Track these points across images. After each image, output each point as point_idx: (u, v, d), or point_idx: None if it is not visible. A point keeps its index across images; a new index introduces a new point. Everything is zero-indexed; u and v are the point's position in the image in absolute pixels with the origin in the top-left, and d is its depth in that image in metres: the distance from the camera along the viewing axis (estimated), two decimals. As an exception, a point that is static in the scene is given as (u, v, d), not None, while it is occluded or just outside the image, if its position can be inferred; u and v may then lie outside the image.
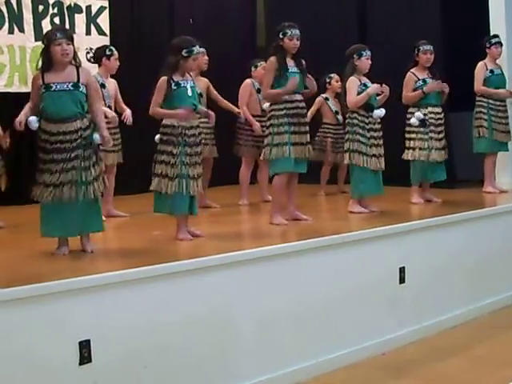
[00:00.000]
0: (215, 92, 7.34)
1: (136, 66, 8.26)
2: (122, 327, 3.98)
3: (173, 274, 4.22)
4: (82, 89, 4.69)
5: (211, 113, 5.46)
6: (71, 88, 4.65)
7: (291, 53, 5.69)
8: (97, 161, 4.73)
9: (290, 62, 5.69)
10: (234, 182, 7.79)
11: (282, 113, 5.64)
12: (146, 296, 4.10)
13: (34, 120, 4.64)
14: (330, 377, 4.78)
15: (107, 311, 3.94)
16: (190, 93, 5.11)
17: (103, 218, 5.08)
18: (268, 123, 5.75)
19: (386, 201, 6.52)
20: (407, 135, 6.85)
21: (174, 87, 5.05)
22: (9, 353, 3.61)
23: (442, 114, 6.93)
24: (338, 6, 9.30)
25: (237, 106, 7.47)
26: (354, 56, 6.21)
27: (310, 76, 5.76)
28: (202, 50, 7.04)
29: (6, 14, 7.87)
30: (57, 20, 8.20)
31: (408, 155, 6.83)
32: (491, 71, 7.49)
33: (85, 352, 3.82)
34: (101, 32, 8.59)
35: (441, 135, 6.87)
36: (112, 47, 6.72)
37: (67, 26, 8.09)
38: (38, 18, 8.07)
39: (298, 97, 5.72)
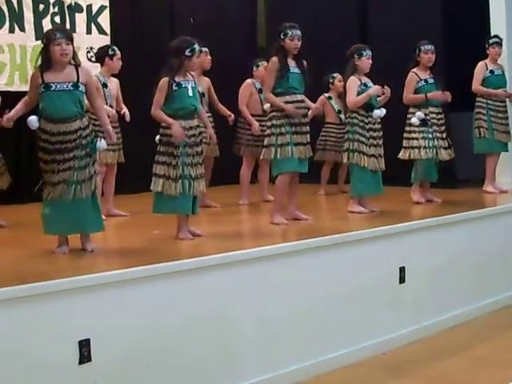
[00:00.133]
0: (214, 94, 7.33)
1: (136, 65, 8.26)
2: (122, 326, 3.98)
3: (173, 274, 4.22)
4: (82, 88, 4.69)
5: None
6: (71, 88, 4.65)
7: (292, 53, 5.69)
8: (93, 161, 4.74)
9: (292, 63, 5.69)
10: (234, 181, 7.79)
11: (283, 113, 5.64)
12: (145, 295, 4.10)
13: (34, 120, 4.63)
14: (330, 376, 4.78)
15: (107, 310, 3.94)
16: (190, 93, 5.11)
17: (103, 217, 5.08)
18: (269, 123, 5.75)
19: (386, 201, 6.51)
20: (408, 135, 6.80)
21: (174, 87, 5.05)
22: (8, 352, 3.61)
23: (443, 114, 6.92)
24: (338, 6, 9.30)
25: (237, 106, 7.47)
26: (355, 56, 6.21)
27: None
28: (205, 49, 7.06)
29: (6, 13, 7.87)
30: (57, 19, 8.20)
31: (411, 154, 6.78)
32: (491, 71, 7.48)
33: (85, 351, 3.82)
34: (101, 31, 8.59)
35: (444, 134, 6.87)
36: (115, 47, 6.71)
37: (68, 25, 8.10)
38: (38, 17, 8.07)
39: (299, 97, 5.73)
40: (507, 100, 7.54)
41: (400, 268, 5.45)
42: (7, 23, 7.89)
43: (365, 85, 6.22)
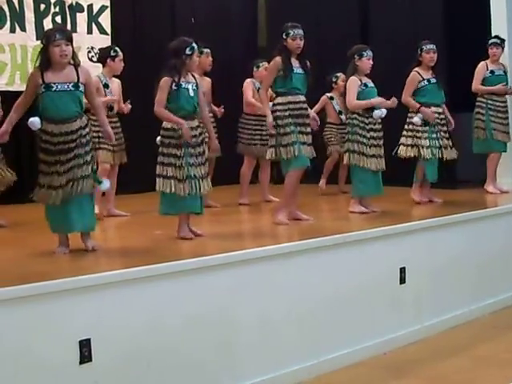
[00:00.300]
0: (209, 94, 7.31)
1: (137, 65, 8.25)
2: (122, 326, 3.98)
3: (174, 274, 4.21)
4: (82, 88, 4.70)
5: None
6: (72, 88, 4.65)
7: (295, 53, 5.70)
8: (91, 160, 4.75)
9: (295, 63, 5.70)
10: (235, 181, 7.78)
11: (287, 113, 5.65)
12: (147, 295, 4.10)
13: (36, 121, 4.59)
14: (331, 376, 4.78)
15: (108, 310, 3.94)
16: (191, 93, 5.11)
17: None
18: (272, 123, 5.75)
19: (386, 201, 6.51)
20: (412, 133, 6.77)
21: (174, 87, 5.05)
22: (9, 352, 3.61)
23: (444, 115, 6.92)
24: (339, 6, 9.30)
25: (238, 106, 7.46)
26: (355, 56, 6.21)
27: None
28: (206, 50, 7.07)
29: (7, 13, 7.88)
30: (58, 19, 8.21)
31: (415, 152, 6.74)
32: (491, 71, 7.48)
33: (85, 351, 3.82)
34: (102, 31, 8.59)
35: (447, 134, 6.87)
36: (117, 48, 6.71)
37: (69, 25, 8.11)
38: (39, 17, 8.08)
39: (302, 98, 5.74)
40: (507, 98, 7.53)
41: (400, 268, 5.45)
42: (8, 23, 7.90)
43: (365, 85, 6.22)
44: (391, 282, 5.40)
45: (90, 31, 8.50)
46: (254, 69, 7.54)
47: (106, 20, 8.63)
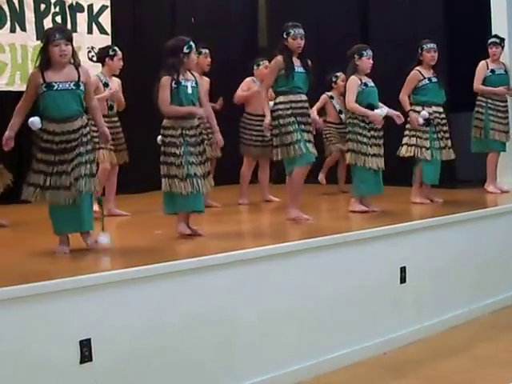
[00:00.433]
0: (207, 95, 7.30)
1: (137, 65, 8.25)
2: (122, 326, 3.98)
3: (174, 273, 4.21)
4: (82, 87, 4.70)
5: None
6: (73, 87, 4.65)
7: (296, 52, 5.71)
8: (93, 160, 4.75)
9: (297, 62, 5.72)
10: (235, 181, 7.79)
11: (289, 112, 5.66)
12: (147, 295, 4.10)
13: (37, 121, 4.58)
14: (331, 376, 4.78)
15: (108, 310, 3.94)
16: (190, 91, 5.12)
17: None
18: (274, 123, 5.75)
19: (387, 200, 6.51)
20: (413, 132, 6.76)
21: (174, 86, 5.06)
22: (9, 352, 3.61)
23: (445, 114, 6.92)
24: (339, 5, 9.30)
25: (239, 106, 7.47)
26: (355, 56, 6.21)
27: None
28: (205, 50, 7.07)
29: (7, 13, 7.88)
30: (58, 19, 8.21)
31: (414, 152, 6.75)
32: (492, 71, 7.48)
33: (85, 351, 3.82)
34: (102, 31, 8.59)
35: (447, 134, 6.88)
36: (116, 47, 6.73)
37: (69, 25, 8.11)
38: (39, 17, 8.07)
39: (303, 97, 5.75)
40: (508, 98, 7.53)
41: (401, 268, 5.45)
42: (8, 23, 7.89)
43: (365, 84, 6.22)
44: (391, 281, 5.40)
45: (90, 31, 8.50)
46: (255, 67, 7.54)
47: (106, 20, 8.63)
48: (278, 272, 4.71)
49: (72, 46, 4.69)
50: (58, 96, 4.61)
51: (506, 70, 7.57)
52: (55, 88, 4.60)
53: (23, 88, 5.52)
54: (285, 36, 5.71)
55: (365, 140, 6.17)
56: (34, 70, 4.77)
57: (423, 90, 6.79)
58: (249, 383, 4.47)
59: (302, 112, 5.72)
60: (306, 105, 5.78)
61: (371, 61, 6.23)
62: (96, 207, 5.20)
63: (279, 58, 5.70)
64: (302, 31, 5.71)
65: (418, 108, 6.76)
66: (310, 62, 5.80)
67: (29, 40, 8.00)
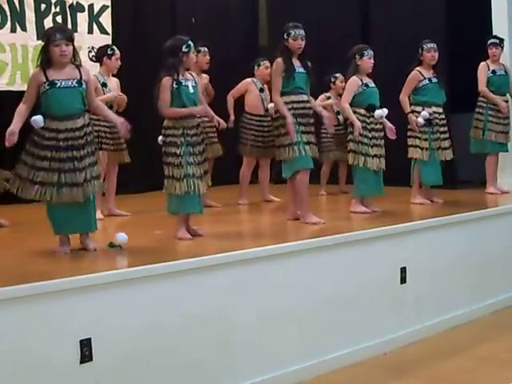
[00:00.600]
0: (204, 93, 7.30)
1: (138, 65, 8.26)
2: (123, 326, 3.98)
3: (174, 273, 4.21)
4: (84, 85, 4.69)
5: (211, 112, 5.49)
6: (76, 85, 4.65)
7: (296, 53, 5.71)
8: (97, 161, 4.76)
9: (297, 63, 5.71)
10: (235, 181, 7.78)
11: (291, 113, 5.64)
12: (147, 295, 4.10)
13: (39, 119, 4.55)
14: (331, 376, 4.78)
15: (108, 310, 3.94)
16: (191, 90, 5.12)
17: (101, 217, 5.07)
18: (276, 124, 5.75)
19: (387, 201, 6.51)
20: (411, 133, 6.79)
21: (175, 86, 5.05)
22: (9, 352, 3.60)
23: (445, 115, 6.91)
24: (340, 5, 9.29)
25: (239, 106, 7.46)
26: (356, 56, 6.21)
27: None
28: (203, 48, 7.07)
29: (8, 13, 7.88)
30: (59, 19, 8.21)
31: (412, 153, 6.77)
32: (493, 72, 7.47)
33: (86, 351, 3.82)
34: (103, 31, 8.59)
35: (447, 134, 6.87)
36: (114, 47, 6.72)
37: (69, 25, 8.11)
38: (40, 17, 8.07)
39: (305, 97, 5.74)
40: (509, 99, 7.51)
41: (401, 268, 5.44)
42: (9, 23, 7.89)
43: (366, 85, 6.21)
44: (392, 281, 5.39)
45: (90, 31, 8.50)
46: (255, 67, 7.53)
47: (106, 20, 8.63)
48: (278, 272, 4.70)
49: (73, 45, 4.69)
50: (61, 94, 4.60)
51: (506, 71, 7.56)
52: (58, 85, 4.59)
53: (24, 88, 5.53)
54: (285, 37, 5.70)
55: (366, 141, 6.16)
56: (36, 69, 4.77)
57: (423, 90, 6.78)
58: (249, 383, 4.48)
59: (304, 113, 5.71)
60: (308, 105, 5.78)
61: (372, 61, 6.23)
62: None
63: (279, 60, 5.70)
64: (302, 32, 5.71)
65: (418, 108, 6.75)
66: (309, 64, 5.79)
67: (29, 40, 8.00)
